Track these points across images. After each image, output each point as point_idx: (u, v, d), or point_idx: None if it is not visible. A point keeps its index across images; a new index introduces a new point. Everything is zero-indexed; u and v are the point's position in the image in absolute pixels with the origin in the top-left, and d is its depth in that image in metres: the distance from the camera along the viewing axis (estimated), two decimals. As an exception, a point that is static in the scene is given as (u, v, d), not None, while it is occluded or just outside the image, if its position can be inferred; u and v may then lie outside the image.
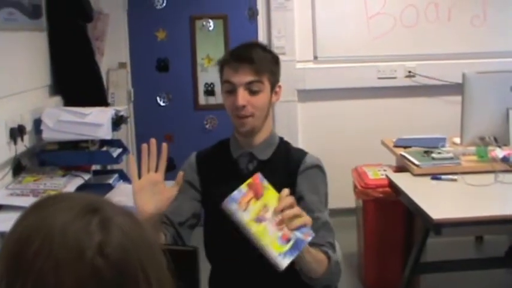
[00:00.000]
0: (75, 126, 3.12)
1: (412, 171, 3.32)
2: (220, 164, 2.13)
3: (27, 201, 2.73)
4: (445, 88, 4.90)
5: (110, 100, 4.49)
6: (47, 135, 3.13)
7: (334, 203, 4.67)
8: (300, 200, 1.96)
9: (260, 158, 2.10)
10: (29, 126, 3.10)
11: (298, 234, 1.65)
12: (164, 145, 1.85)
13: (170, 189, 1.83)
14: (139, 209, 1.76)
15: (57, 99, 3.60)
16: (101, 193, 3.09)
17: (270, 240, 1.61)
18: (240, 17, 4.96)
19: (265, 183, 1.70)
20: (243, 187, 1.66)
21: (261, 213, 1.64)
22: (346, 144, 4.94)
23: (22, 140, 2.99)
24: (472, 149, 3.40)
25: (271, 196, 1.68)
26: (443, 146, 3.57)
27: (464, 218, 2.75)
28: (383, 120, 4.95)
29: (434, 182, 3.19)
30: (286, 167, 2.10)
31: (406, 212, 3.52)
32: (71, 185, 3.00)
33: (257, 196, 1.66)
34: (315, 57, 4.99)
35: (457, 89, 3.48)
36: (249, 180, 1.68)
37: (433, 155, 3.37)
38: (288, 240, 1.63)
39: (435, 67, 4.95)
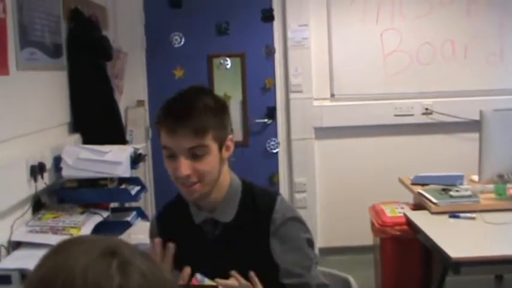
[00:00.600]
0: (94, 164, 3.15)
1: (429, 209, 3.31)
2: (183, 229, 1.92)
3: (47, 239, 2.76)
4: (462, 125, 4.89)
5: (128, 137, 4.52)
6: (66, 172, 3.16)
7: (351, 240, 4.73)
8: (278, 260, 1.83)
9: (224, 221, 1.87)
10: (49, 164, 3.13)
11: None
12: (170, 245, 1.78)
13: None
14: None
15: (76, 137, 3.64)
16: (120, 231, 3.12)
17: None
18: (258, 55, 5.01)
19: (206, 281, 1.70)
20: None
21: None
22: (363, 182, 4.93)
23: (42, 177, 3.02)
24: (491, 186, 3.39)
25: None
26: (461, 184, 3.56)
27: (483, 257, 2.73)
28: (400, 157, 4.94)
29: (453, 220, 3.17)
30: (255, 226, 1.85)
31: (424, 250, 3.49)
32: (89, 222, 3.01)
33: None
34: (332, 95, 5.01)
35: (474, 126, 3.49)
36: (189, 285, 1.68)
37: (451, 192, 3.36)
38: None
39: (452, 104, 4.95)
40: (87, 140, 3.64)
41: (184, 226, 1.91)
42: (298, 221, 1.88)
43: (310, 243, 1.89)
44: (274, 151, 5.07)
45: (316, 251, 5.02)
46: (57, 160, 3.20)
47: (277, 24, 4.99)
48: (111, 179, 3.22)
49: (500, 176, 3.32)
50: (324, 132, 5.00)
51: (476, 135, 3.41)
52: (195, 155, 1.73)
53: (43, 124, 3.23)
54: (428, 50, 4.96)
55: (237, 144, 5.04)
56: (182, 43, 4.99)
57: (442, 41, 4.99)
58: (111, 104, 3.91)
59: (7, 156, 2.74)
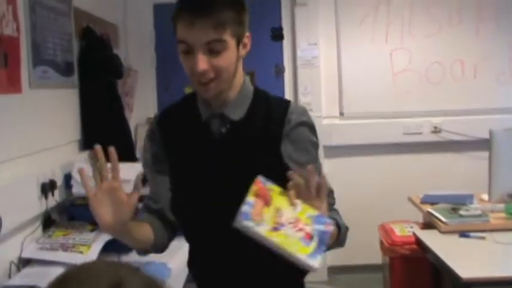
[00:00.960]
0: (105, 181, 3.16)
1: (439, 228, 3.29)
2: (188, 128, 1.82)
3: (57, 256, 2.78)
4: (471, 144, 4.89)
5: (137, 154, 4.54)
6: (76, 190, 3.18)
7: (360, 259, 4.72)
8: (290, 162, 1.75)
9: (233, 119, 1.79)
10: (59, 181, 3.16)
11: (319, 227, 1.55)
12: (111, 149, 1.64)
13: (130, 195, 1.62)
14: (100, 223, 1.59)
15: (87, 154, 3.66)
16: (128, 248, 3.11)
17: (295, 245, 1.52)
18: (267, 74, 5.03)
19: (269, 184, 1.58)
20: (250, 198, 1.54)
21: (276, 219, 1.54)
22: (372, 200, 4.93)
23: (53, 194, 3.05)
24: (501, 206, 3.38)
25: (279, 197, 1.58)
26: (471, 203, 3.54)
27: (493, 278, 2.71)
28: (409, 176, 4.93)
29: (462, 239, 3.15)
30: (267, 126, 1.79)
31: (433, 270, 3.48)
32: (99, 240, 3.01)
33: (267, 203, 1.56)
34: (341, 113, 5.03)
35: (483, 144, 3.49)
36: (253, 188, 1.56)
37: (461, 212, 3.34)
38: (311, 238, 1.54)
39: (461, 123, 4.96)
40: (98, 157, 3.65)
41: (189, 124, 1.83)
42: (312, 127, 1.85)
43: (317, 147, 1.88)
44: (284, 169, 5.06)
45: (325, 269, 5.02)
46: (68, 177, 3.23)
47: (286, 43, 5.03)
48: (122, 197, 3.23)
49: (511, 195, 3.32)
50: (333, 151, 5.00)
51: (485, 153, 3.41)
52: (212, 50, 1.66)
53: (54, 141, 3.27)
54: (438, 69, 4.97)
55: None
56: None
57: (452, 61, 5.00)
58: (121, 122, 3.94)
59: (19, 174, 2.77)
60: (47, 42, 3.15)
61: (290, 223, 1.54)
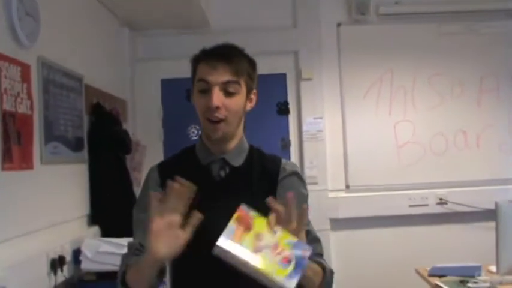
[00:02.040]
0: (114, 258, 3.16)
1: (449, 301, 3.28)
2: (188, 172, 1.78)
3: (66, 333, 2.76)
4: (477, 214, 4.89)
5: (145, 229, 4.54)
6: (85, 266, 3.19)
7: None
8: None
9: (233, 164, 1.94)
10: (68, 256, 3.16)
11: (297, 252, 1.58)
12: (190, 185, 1.64)
13: (184, 233, 1.61)
14: (152, 252, 1.61)
15: (95, 229, 3.68)
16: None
17: (273, 268, 1.54)
18: (273, 147, 5.06)
19: (252, 213, 1.62)
20: (232, 223, 1.58)
21: (256, 244, 1.57)
22: (380, 273, 4.90)
23: (62, 270, 3.04)
24: (510, 277, 3.36)
25: (260, 223, 1.60)
26: (479, 275, 3.52)
27: None
28: (416, 248, 4.92)
29: (473, 312, 3.14)
30: (263, 175, 1.95)
31: None
32: (108, 315, 3.01)
33: (248, 228, 1.59)
34: (347, 186, 5.05)
35: (489, 215, 3.50)
36: (236, 215, 1.60)
37: (469, 284, 3.33)
38: (289, 262, 1.56)
39: (466, 194, 4.97)
40: (106, 231, 3.67)
41: (189, 169, 1.89)
42: (303, 181, 2.04)
43: (307, 197, 2.03)
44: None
45: None
46: (77, 253, 3.24)
47: (292, 117, 5.10)
48: (130, 272, 3.23)
49: (519, 267, 3.31)
50: (339, 224, 5.00)
51: (492, 224, 3.41)
52: (227, 91, 1.86)
53: (63, 216, 3.28)
54: (441, 140, 5.03)
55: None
56: (198, 135, 5.08)
57: (455, 132, 5.06)
58: (129, 196, 3.96)
59: (29, 250, 2.77)
60: (59, 118, 3.21)
61: (269, 247, 1.58)
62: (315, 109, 5.02)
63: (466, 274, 3.53)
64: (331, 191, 5.03)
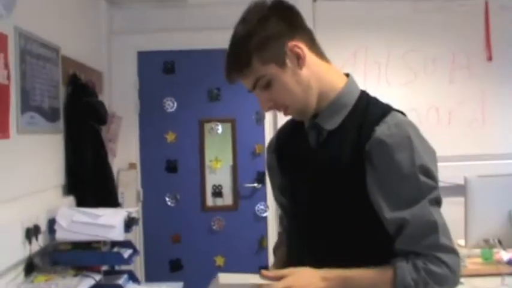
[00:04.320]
0: (89, 227, 3.19)
1: (417, 273, 3.34)
2: (294, 138, 1.75)
3: (40, 301, 2.79)
4: (447, 190, 4.86)
5: (119, 199, 4.58)
6: (60, 235, 3.20)
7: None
8: (375, 201, 1.56)
9: (326, 128, 1.64)
10: (43, 226, 3.17)
11: None
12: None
13: None
14: None
15: (70, 199, 3.69)
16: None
17: None
18: (248, 121, 5.12)
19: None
20: None
21: None
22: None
23: (37, 239, 3.06)
24: (477, 251, 3.45)
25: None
26: (447, 248, 3.61)
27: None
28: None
29: (440, 284, 3.21)
30: (355, 139, 1.58)
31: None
32: (82, 285, 3.02)
33: None
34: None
35: (459, 190, 3.57)
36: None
37: (438, 257, 3.41)
38: None
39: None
40: (81, 201, 3.69)
41: (296, 134, 1.76)
42: (394, 145, 1.54)
43: (415, 175, 1.55)
44: (263, 215, 5.12)
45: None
46: (52, 222, 3.24)
47: (266, 90, 5.11)
48: (104, 242, 3.26)
49: (486, 241, 3.38)
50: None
51: (461, 199, 3.48)
52: (263, 86, 1.61)
53: (39, 186, 3.29)
54: (414, 116, 5.02)
55: (227, 208, 5.12)
56: (174, 108, 5.10)
57: (427, 108, 5.13)
58: (104, 167, 3.98)
59: (3, 219, 2.78)
60: (35, 89, 3.20)
61: None
62: (290, 83, 5.02)
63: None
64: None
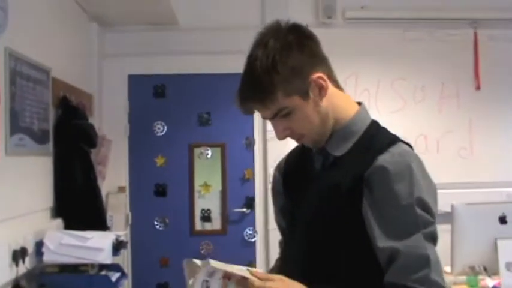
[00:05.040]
0: (77, 250, 3.18)
1: (404, 300, 3.35)
2: (299, 160, 1.78)
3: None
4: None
5: (108, 223, 4.57)
6: (48, 257, 3.19)
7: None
8: (368, 226, 1.54)
9: (334, 154, 1.65)
10: (30, 248, 3.15)
11: None
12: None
13: None
14: None
15: (58, 222, 3.68)
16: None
17: None
18: (238, 146, 5.14)
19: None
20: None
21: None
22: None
23: (23, 262, 3.04)
24: (463, 278, 3.46)
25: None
26: (434, 275, 3.62)
27: None
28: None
29: (427, 311, 3.22)
30: (358, 167, 1.56)
31: None
32: (68, 307, 3.03)
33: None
34: (309, 185, 5.10)
35: (446, 218, 3.59)
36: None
37: (425, 284, 3.42)
38: None
39: (425, 197, 5.06)
40: (69, 224, 3.68)
41: (305, 157, 1.75)
42: (396, 174, 1.52)
43: (411, 207, 1.53)
44: (252, 240, 5.12)
45: None
46: (39, 245, 3.23)
47: (257, 116, 5.10)
48: (92, 265, 3.25)
49: (472, 268, 3.40)
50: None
51: (448, 226, 3.50)
52: (282, 116, 1.59)
53: (27, 208, 3.27)
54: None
55: (215, 233, 5.12)
56: (164, 132, 5.12)
57: (416, 136, 5.16)
58: (93, 190, 3.98)
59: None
60: (25, 110, 3.20)
61: None
62: (279, 109, 5.03)
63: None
64: (294, 189, 5.08)
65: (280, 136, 1.65)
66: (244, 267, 1.60)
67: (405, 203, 1.50)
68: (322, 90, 1.62)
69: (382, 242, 1.50)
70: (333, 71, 1.71)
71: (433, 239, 1.53)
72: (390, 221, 1.51)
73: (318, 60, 1.65)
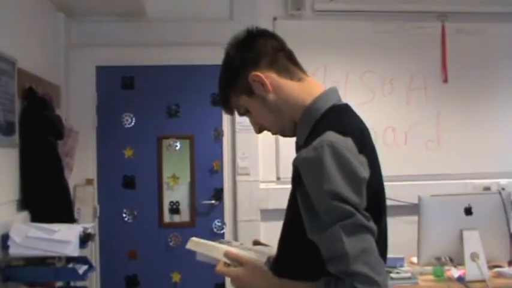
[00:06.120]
0: (43, 243, 3.16)
1: (371, 290, 3.38)
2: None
3: (-8, 317, 2.74)
4: (402, 208, 5.03)
5: (75, 215, 4.53)
6: (14, 250, 3.15)
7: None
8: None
9: (299, 143, 1.74)
10: (-4, 241, 3.13)
11: None
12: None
13: None
14: None
15: (25, 214, 3.64)
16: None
17: None
18: (206, 138, 5.12)
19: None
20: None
21: None
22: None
23: (-12, 255, 3.02)
24: (429, 268, 3.51)
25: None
26: (401, 266, 3.66)
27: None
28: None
29: (394, 301, 3.26)
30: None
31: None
32: (34, 301, 3.01)
33: None
34: (278, 178, 5.13)
35: (413, 209, 3.62)
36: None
37: (392, 275, 3.46)
38: None
39: (392, 188, 4.98)
40: (36, 217, 3.64)
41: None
42: (313, 162, 1.53)
43: (331, 190, 1.50)
44: (221, 232, 5.12)
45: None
46: (5, 238, 3.20)
47: (226, 108, 5.12)
48: (59, 258, 3.22)
49: (438, 259, 3.45)
50: (270, 214, 5.06)
51: (415, 218, 3.54)
52: (243, 114, 1.80)
53: (-8, 201, 3.24)
54: (371, 135, 5.15)
55: (184, 225, 5.10)
56: (133, 124, 5.09)
57: (384, 128, 5.21)
58: (60, 182, 3.94)
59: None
60: (-10, 102, 3.17)
61: None
62: (249, 101, 5.02)
63: (389, 265, 3.66)
64: (263, 182, 5.10)
65: (255, 130, 1.81)
66: (223, 246, 1.79)
67: (316, 197, 1.51)
68: (264, 86, 1.71)
69: (308, 232, 1.55)
70: (292, 63, 1.79)
71: (356, 228, 1.48)
72: (309, 214, 1.54)
73: (264, 58, 1.74)
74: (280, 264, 1.71)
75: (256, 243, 1.98)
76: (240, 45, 1.77)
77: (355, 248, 1.45)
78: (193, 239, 1.84)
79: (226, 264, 1.75)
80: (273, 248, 1.83)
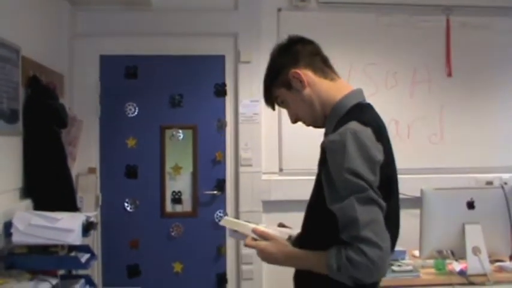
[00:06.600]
0: (46, 231, 3.16)
1: (373, 282, 3.39)
2: None
3: (-6, 305, 2.74)
4: (404, 202, 4.96)
5: (78, 204, 4.53)
6: (17, 238, 3.16)
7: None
8: None
9: (327, 133, 2.03)
10: (-1, 229, 3.14)
11: None
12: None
13: None
14: None
15: (27, 202, 3.64)
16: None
17: None
18: (209, 128, 5.13)
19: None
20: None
21: None
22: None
23: (-9, 242, 3.02)
24: (431, 261, 3.52)
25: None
26: (403, 259, 3.67)
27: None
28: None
29: (395, 294, 3.27)
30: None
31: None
32: (37, 288, 3.01)
33: None
34: (280, 169, 5.13)
35: (416, 202, 3.63)
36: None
37: (394, 267, 3.47)
38: None
39: (395, 181, 5.11)
40: (38, 205, 3.65)
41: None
42: (337, 147, 1.85)
43: (347, 174, 1.82)
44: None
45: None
46: (8, 225, 3.20)
47: (229, 99, 5.14)
48: (62, 246, 3.23)
49: (440, 252, 3.46)
50: (271, 206, 5.08)
51: (418, 211, 3.54)
52: (280, 104, 2.16)
53: (-5, 188, 3.25)
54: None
55: (186, 215, 5.11)
56: (136, 113, 5.09)
57: (388, 121, 5.14)
58: (63, 171, 3.94)
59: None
60: (-6, 89, 3.17)
61: None
62: (252, 92, 5.04)
63: (392, 258, 3.67)
64: (265, 173, 5.10)
65: (291, 120, 2.16)
66: (252, 225, 2.12)
67: (337, 173, 1.81)
68: (302, 82, 2.05)
69: (328, 203, 1.86)
70: (327, 65, 2.17)
71: (368, 201, 1.78)
72: (330, 188, 1.85)
73: (303, 59, 2.09)
74: (304, 238, 2.03)
75: (281, 225, 2.29)
76: (282, 48, 2.12)
77: (366, 217, 1.75)
78: (226, 217, 2.14)
79: (254, 239, 2.04)
80: (294, 230, 2.14)
